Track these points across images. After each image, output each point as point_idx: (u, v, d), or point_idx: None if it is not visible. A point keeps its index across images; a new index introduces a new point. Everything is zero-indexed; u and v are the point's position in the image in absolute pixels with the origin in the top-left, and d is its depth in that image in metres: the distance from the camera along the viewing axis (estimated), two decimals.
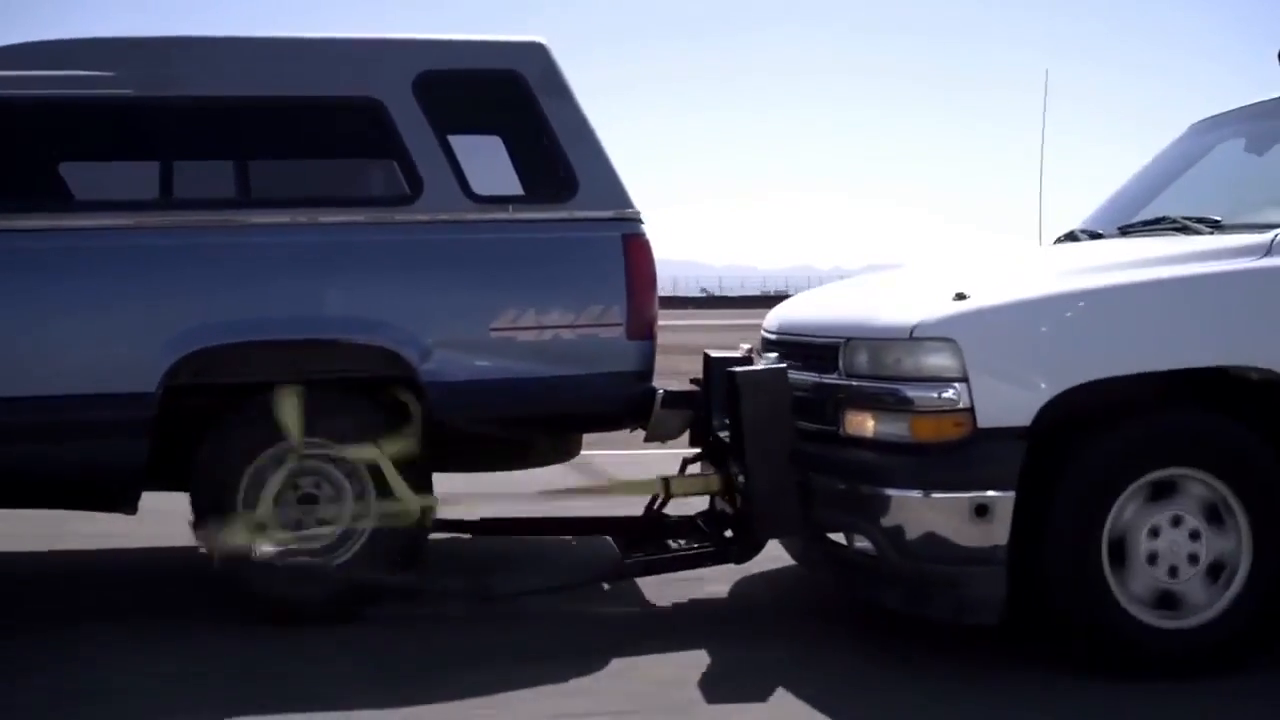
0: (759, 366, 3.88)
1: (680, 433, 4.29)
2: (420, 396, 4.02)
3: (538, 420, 4.18)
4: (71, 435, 3.90)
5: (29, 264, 3.91)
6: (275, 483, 3.99)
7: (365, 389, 4.09)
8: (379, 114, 4.13)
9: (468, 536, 4.60)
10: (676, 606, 4.20)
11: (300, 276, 4.00)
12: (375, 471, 4.00)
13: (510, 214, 4.14)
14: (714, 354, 4.18)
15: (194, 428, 3.99)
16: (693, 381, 4.33)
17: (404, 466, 3.99)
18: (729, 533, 4.07)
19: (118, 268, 3.94)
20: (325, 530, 4.04)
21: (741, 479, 3.77)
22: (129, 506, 4.09)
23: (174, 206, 4.05)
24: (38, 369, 3.87)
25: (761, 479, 3.66)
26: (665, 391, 4.18)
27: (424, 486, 4.08)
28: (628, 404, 4.15)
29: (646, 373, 4.17)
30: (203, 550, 4.07)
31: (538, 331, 4.06)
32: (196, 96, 4.11)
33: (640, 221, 4.21)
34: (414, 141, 4.11)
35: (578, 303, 4.09)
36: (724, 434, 3.97)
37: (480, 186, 4.15)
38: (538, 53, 4.27)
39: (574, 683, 3.43)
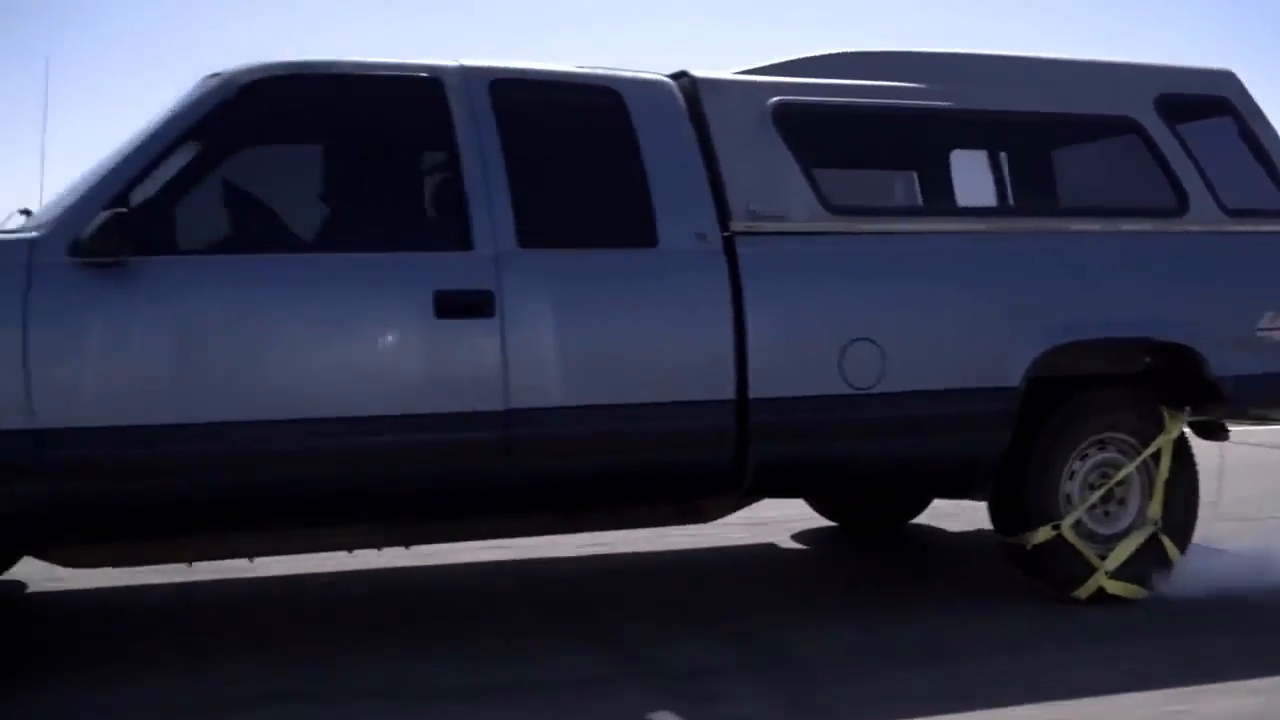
0: None
1: None
2: (1209, 391, 4.43)
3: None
4: (941, 430, 4.11)
5: (901, 265, 4.10)
6: (1083, 474, 4.35)
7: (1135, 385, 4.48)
8: (1138, 131, 4.53)
9: None
10: None
11: (1122, 278, 4.35)
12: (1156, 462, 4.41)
13: (1257, 228, 4.62)
14: None
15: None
16: None
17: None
18: None
19: (983, 269, 4.17)
20: (1121, 517, 4.42)
21: None
22: (982, 494, 4.30)
23: (1007, 213, 4.33)
24: (922, 363, 4.06)
25: None
26: None
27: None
28: None
29: None
30: (1008, 539, 4.34)
31: None
32: (1001, 111, 4.40)
33: None
34: (1173, 157, 4.54)
35: None
36: None
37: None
38: (1235, 80, 4.77)
39: None
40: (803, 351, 3.93)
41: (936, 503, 5.85)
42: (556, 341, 3.68)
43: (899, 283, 4.07)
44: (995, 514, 4.44)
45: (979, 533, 5.82)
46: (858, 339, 3.97)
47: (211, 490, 3.47)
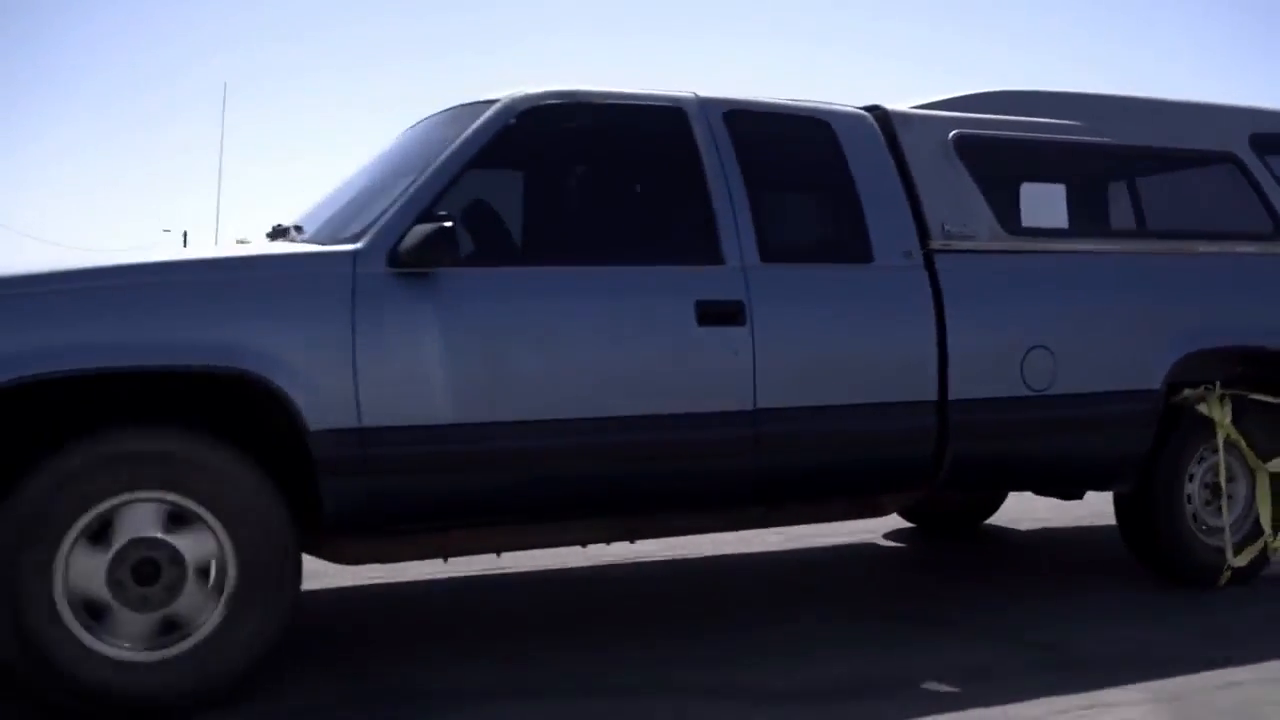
0: None
1: None
2: None
3: None
4: (1098, 428, 4.59)
5: (1068, 280, 4.58)
6: (1203, 471, 4.87)
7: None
8: (1238, 165, 5.12)
9: None
10: None
11: (1238, 293, 4.90)
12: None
13: None
14: None
15: None
16: None
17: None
18: None
19: (1133, 284, 4.68)
20: (1234, 506, 4.95)
21: None
22: (1126, 486, 4.77)
23: (1144, 235, 4.87)
24: (1086, 368, 4.52)
25: None
26: None
27: None
28: None
29: None
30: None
31: None
32: (1132, 145, 4.94)
33: None
34: (1268, 187, 5.14)
35: None
36: None
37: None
38: None
39: None
40: (993, 357, 4.36)
41: (1005, 505, 6.37)
42: (795, 347, 4.04)
43: (1067, 296, 4.55)
44: (1120, 511, 4.93)
45: (1045, 530, 6.38)
46: (1035, 346, 4.42)
47: (504, 484, 3.73)
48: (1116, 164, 5.03)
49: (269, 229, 4.25)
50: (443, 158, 3.75)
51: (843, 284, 4.20)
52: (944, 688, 3.57)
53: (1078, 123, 4.86)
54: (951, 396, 4.29)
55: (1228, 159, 5.13)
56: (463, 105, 4.10)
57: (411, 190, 3.69)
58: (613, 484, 3.89)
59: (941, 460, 4.33)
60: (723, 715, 3.36)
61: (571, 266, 3.84)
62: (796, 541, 5.90)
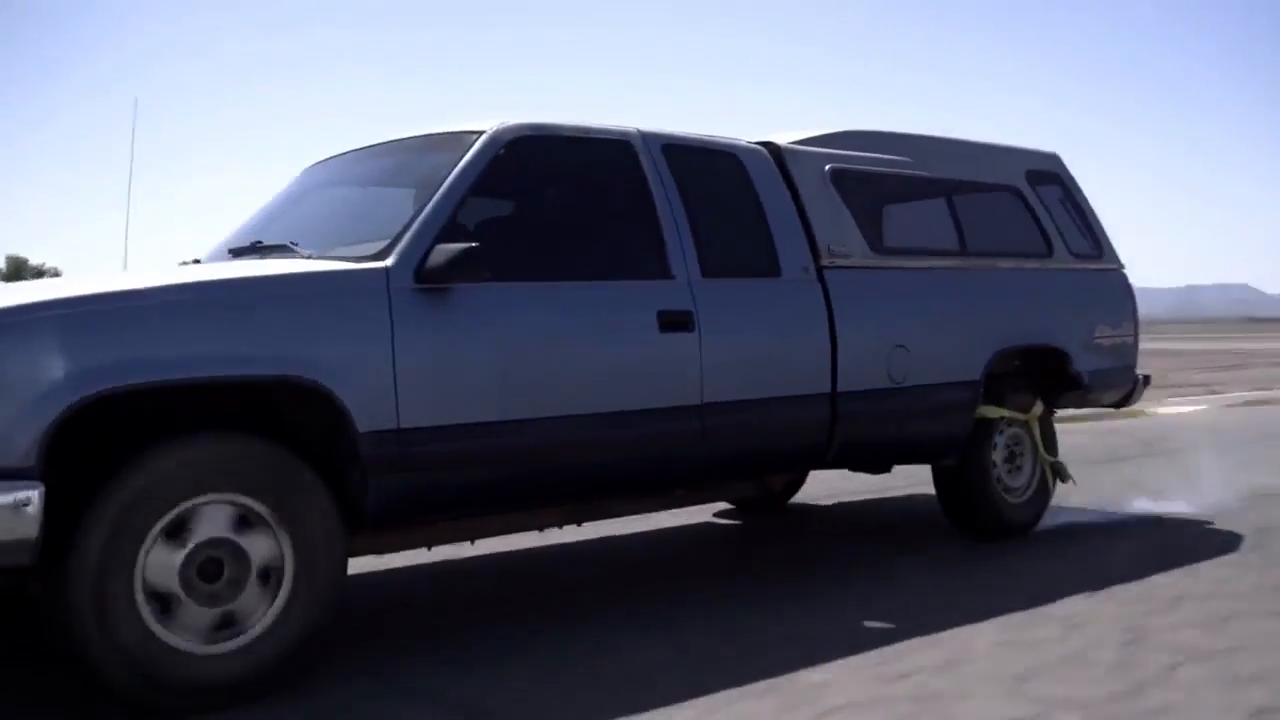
0: None
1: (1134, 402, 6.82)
2: (1070, 382, 6.19)
3: (1113, 395, 6.51)
4: (938, 413, 5.55)
5: (918, 290, 5.50)
6: (1003, 443, 5.95)
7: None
8: (1020, 197, 6.25)
9: None
10: None
11: (1030, 301, 6.00)
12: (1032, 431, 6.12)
13: (1087, 266, 6.46)
14: None
15: None
16: None
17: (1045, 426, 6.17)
18: None
19: (963, 293, 5.67)
20: (1024, 474, 6.07)
21: None
22: (953, 460, 5.73)
23: (965, 253, 5.85)
24: (931, 363, 5.45)
25: None
26: (1145, 375, 6.72)
27: (1053, 443, 6.25)
28: (1138, 386, 6.65)
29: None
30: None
31: (1110, 339, 6.43)
32: (952, 179, 5.94)
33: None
34: (1040, 215, 6.29)
35: (1119, 320, 6.50)
36: None
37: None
38: (1061, 159, 6.64)
39: None
40: (867, 355, 5.19)
41: (807, 486, 7.30)
42: (732, 349, 4.70)
43: (918, 303, 5.47)
44: (940, 483, 5.93)
45: (840, 504, 7.36)
46: (897, 346, 5.30)
47: (510, 476, 4.16)
48: (941, 192, 6.00)
49: (243, 245, 4.46)
50: (448, 182, 4.14)
51: (762, 295, 4.91)
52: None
53: (915, 159, 5.81)
54: (840, 389, 5.09)
55: (1013, 191, 6.24)
56: (442, 133, 4.50)
57: (425, 212, 4.06)
58: (593, 473, 4.42)
59: (830, 443, 5.13)
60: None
61: (562, 282, 4.33)
62: (641, 524, 6.54)
